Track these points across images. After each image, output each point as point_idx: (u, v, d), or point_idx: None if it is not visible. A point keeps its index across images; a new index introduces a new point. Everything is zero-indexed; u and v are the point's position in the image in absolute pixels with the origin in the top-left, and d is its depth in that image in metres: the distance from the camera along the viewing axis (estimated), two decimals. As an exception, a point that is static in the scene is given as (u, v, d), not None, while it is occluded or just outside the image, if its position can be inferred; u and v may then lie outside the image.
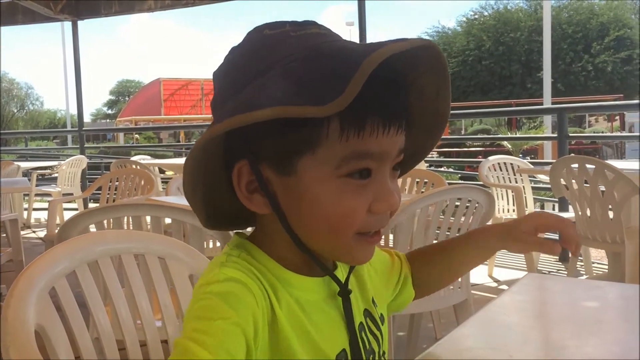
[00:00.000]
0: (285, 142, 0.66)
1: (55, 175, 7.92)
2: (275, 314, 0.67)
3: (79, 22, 8.39)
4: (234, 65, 0.71)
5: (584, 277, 3.80)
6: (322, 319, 0.72)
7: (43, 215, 7.51)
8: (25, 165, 7.51)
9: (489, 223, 4.28)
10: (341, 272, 0.77)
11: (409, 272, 0.91)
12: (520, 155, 13.97)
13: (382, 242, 2.58)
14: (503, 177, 4.53)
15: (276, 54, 0.66)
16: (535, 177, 5.11)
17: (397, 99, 0.67)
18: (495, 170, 4.52)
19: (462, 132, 28.33)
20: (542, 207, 6.02)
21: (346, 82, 0.58)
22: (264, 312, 0.66)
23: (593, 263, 4.18)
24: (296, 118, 0.61)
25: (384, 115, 0.65)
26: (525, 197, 4.34)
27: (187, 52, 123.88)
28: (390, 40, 0.62)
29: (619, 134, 19.47)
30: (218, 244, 2.78)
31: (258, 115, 0.61)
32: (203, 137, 0.65)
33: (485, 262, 4.41)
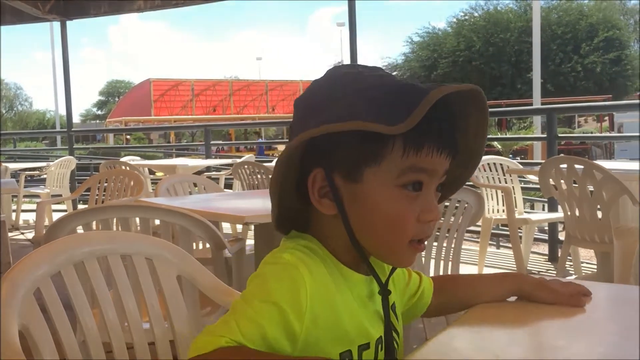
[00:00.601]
0: (357, 154, 0.80)
1: (44, 176, 7.86)
2: (333, 304, 0.80)
3: (68, 23, 8.34)
4: (315, 94, 0.86)
5: (573, 276, 3.82)
6: (364, 311, 0.85)
7: (31, 217, 7.45)
8: (14, 166, 7.47)
9: (479, 223, 4.29)
10: (381, 274, 0.89)
11: (429, 297, 1.03)
12: (510, 156, 14.03)
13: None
14: (493, 178, 4.55)
15: (354, 85, 0.81)
16: (524, 178, 5.13)
17: (449, 130, 0.81)
18: (485, 170, 4.53)
19: (453, 132, 28.38)
20: (532, 207, 6.05)
21: (413, 108, 0.73)
22: (316, 294, 0.78)
23: (582, 263, 4.20)
24: (369, 134, 0.75)
25: (438, 140, 0.79)
26: (515, 197, 4.36)
27: (178, 52, 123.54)
28: (447, 85, 0.78)
29: (608, 134, 19.59)
30: (207, 245, 2.77)
31: (342, 126, 0.76)
32: (294, 142, 0.79)
33: (475, 263, 4.42)
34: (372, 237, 0.82)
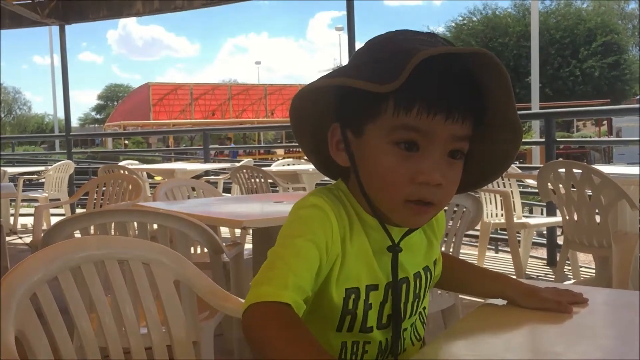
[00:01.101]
0: (359, 110, 0.85)
1: (43, 180, 7.85)
2: (345, 244, 0.86)
3: (67, 27, 8.35)
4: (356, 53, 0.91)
5: (572, 281, 3.81)
6: (379, 257, 0.89)
7: (30, 221, 7.44)
8: (12, 170, 7.46)
9: (477, 227, 4.29)
10: (397, 233, 0.92)
11: (439, 271, 1.04)
12: (509, 160, 14.00)
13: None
14: (491, 182, 4.54)
15: (373, 47, 0.86)
16: (523, 182, 5.13)
17: (450, 92, 0.81)
18: (483, 174, 4.52)
19: (451, 136, 28.43)
20: (531, 211, 6.05)
21: (400, 71, 0.76)
22: (339, 234, 0.85)
23: (580, 267, 4.19)
24: (369, 93, 0.79)
25: (431, 102, 0.80)
26: (514, 201, 4.36)
27: (176, 56, 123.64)
28: (451, 46, 0.81)
29: (606, 138, 19.62)
30: (205, 249, 2.77)
31: (329, 82, 0.84)
32: (302, 89, 0.88)
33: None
34: (373, 192, 0.86)
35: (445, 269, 1.05)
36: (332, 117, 0.91)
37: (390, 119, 0.82)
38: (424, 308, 0.98)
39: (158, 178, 8.14)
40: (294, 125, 0.93)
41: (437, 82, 0.81)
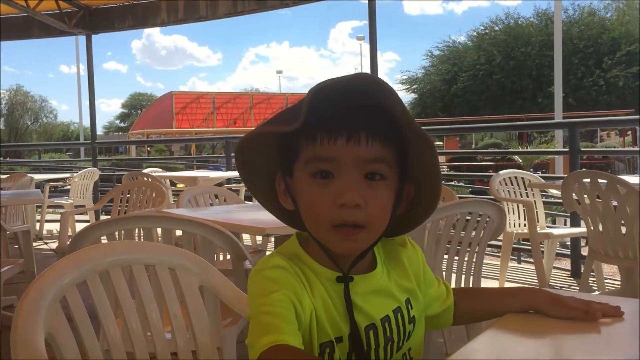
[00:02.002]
0: (286, 154, 0.94)
1: (68, 187, 7.96)
2: (311, 299, 0.89)
3: (93, 36, 8.49)
4: None
5: (597, 293, 3.76)
6: (343, 305, 0.91)
7: (55, 227, 7.54)
8: (39, 177, 7.56)
9: (500, 238, 4.25)
10: (381, 270, 0.96)
11: (452, 304, 1.06)
12: (531, 170, 13.89)
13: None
14: (514, 192, 4.51)
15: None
16: (546, 192, 5.08)
17: (348, 117, 0.88)
18: (506, 184, 4.50)
19: (473, 146, 28.25)
20: (554, 222, 5.98)
21: (299, 114, 0.85)
22: (305, 290, 0.89)
23: (605, 279, 4.13)
24: (290, 136, 0.89)
25: (329, 129, 0.88)
26: (537, 211, 4.32)
27: (199, 66, 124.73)
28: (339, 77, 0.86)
29: (631, 148, 19.33)
30: (228, 256, 2.79)
31: (251, 134, 0.93)
32: (240, 141, 0.96)
33: (497, 277, 4.38)
34: (309, 225, 0.92)
35: (461, 302, 1.06)
36: (277, 167, 0.97)
37: (304, 153, 0.90)
38: (409, 349, 0.97)
39: (180, 186, 8.21)
40: (252, 190, 1.01)
41: (333, 110, 0.87)
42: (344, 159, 0.87)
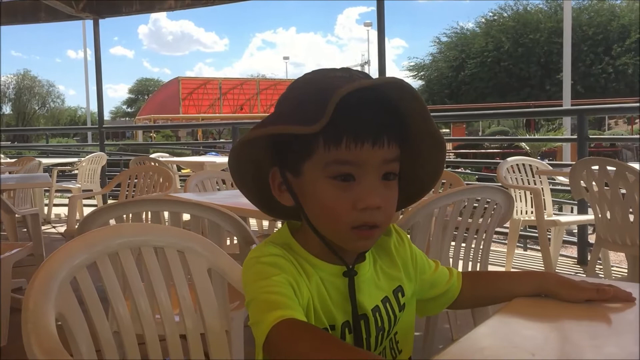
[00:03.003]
0: (294, 152, 0.90)
1: (76, 171, 7.99)
2: (306, 287, 0.89)
3: (100, 21, 8.47)
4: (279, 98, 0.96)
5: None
6: (338, 295, 0.92)
7: (63, 211, 7.58)
8: (46, 161, 7.60)
9: (507, 225, 4.25)
10: (369, 261, 0.97)
11: (454, 286, 1.06)
12: (539, 157, 13.84)
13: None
14: (522, 179, 4.49)
15: (296, 90, 0.92)
16: (554, 179, 5.06)
17: (374, 122, 0.87)
18: (513, 171, 4.48)
19: (480, 133, 28.13)
20: (560, 209, 5.97)
21: (323, 110, 0.81)
22: (302, 278, 0.89)
23: (612, 266, 4.13)
24: (298, 135, 0.85)
25: (356, 133, 0.86)
26: (544, 199, 4.31)
27: (206, 51, 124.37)
28: (366, 79, 0.87)
29: (639, 136, 19.21)
30: (235, 240, 2.79)
31: (266, 130, 0.87)
32: (237, 143, 0.92)
33: (503, 264, 4.38)
34: (320, 225, 0.91)
35: (469, 285, 1.06)
36: (270, 162, 0.95)
37: (323, 155, 0.87)
38: (396, 333, 0.99)
39: (185, 171, 8.21)
40: (234, 175, 0.97)
41: (359, 113, 0.86)
42: (369, 162, 0.87)
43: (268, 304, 0.82)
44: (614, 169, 2.90)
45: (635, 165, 3.10)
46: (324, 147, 0.87)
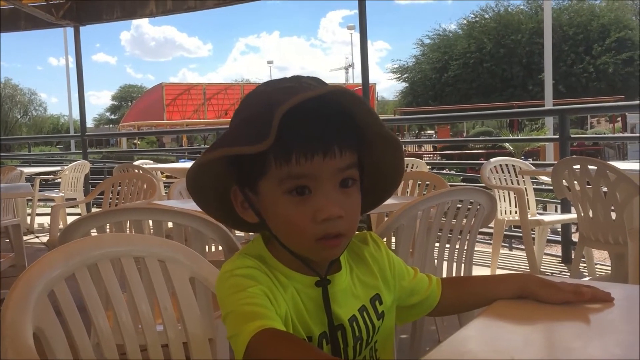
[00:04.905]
0: (249, 170, 0.89)
1: (59, 180, 7.92)
2: (282, 298, 0.88)
3: (82, 28, 8.41)
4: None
5: (587, 278, 3.79)
6: (313, 306, 0.91)
7: (46, 221, 7.51)
8: (29, 170, 7.51)
9: (491, 225, 4.27)
10: (345, 270, 0.96)
11: (434, 292, 1.06)
12: (522, 157, 13.94)
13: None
14: (505, 179, 4.52)
15: (244, 107, 0.91)
16: (537, 179, 5.10)
17: (322, 133, 0.85)
18: (497, 172, 4.51)
19: (464, 134, 28.30)
20: (545, 208, 6.01)
21: (268, 128, 0.79)
22: (276, 290, 0.88)
23: (596, 264, 4.16)
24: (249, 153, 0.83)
25: (306, 147, 0.85)
26: (528, 198, 4.33)
27: (189, 56, 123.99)
28: (313, 88, 0.85)
29: (620, 135, 19.44)
30: (220, 247, 2.78)
31: (210, 156, 0.86)
32: (190, 169, 0.91)
33: (488, 265, 4.40)
34: (285, 240, 0.90)
35: (449, 291, 1.06)
36: (231, 181, 0.94)
37: (276, 172, 0.86)
38: (376, 342, 0.97)
39: (164, 178, 8.16)
40: (195, 196, 0.96)
41: (306, 126, 0.84)
42: (322, 174, 0.86)
43: (245, 315, 0.81)
44: (595, 167, 2.92)
45: (618, 163, 3.14)
46: (275, 164, 0.86)
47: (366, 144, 0.91)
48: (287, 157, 0.85)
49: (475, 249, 2.31)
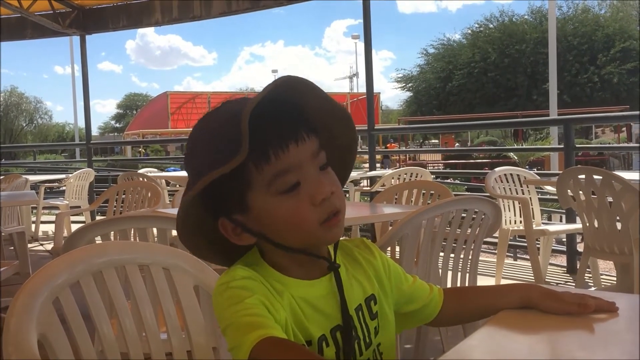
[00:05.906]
0: (233, 190, 0.90)
1: (63, 188, 7.94)
2: (280, 305, 0.88)
3: (87, 36, 8.46)
4: (190, 146, 0.99)
5: (593, 289, 3.77)
6: (310, 310, 0.92)
7: (51, 228, 7.52)
8: (34, 178, 7.54)
9: (496, 235, 4.25)
10: (343, 269, 0.97)
11: (438, 306, 1.06)
12: (527, 167, 13.91)
13: (388, 253, 2.55)
14: (510, 189, 4.51)
15: (205, 129, 0.93)
16: (542, 189, 5.08)
17: (287, 124, 0.89)
18: (501, 181, 4.50)
19: (469, 143, 28.28)
20: (550, 218, 6.00)
21: (239, 137, 0.81)
22: (274, 299, 0.88)
23: (601, 275, 4.14)
24: (222, 178, 0.84)
25: (278, 139, 0.87)
26: (532, 208, 4.32)
27: (194, 65, 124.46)
28: (261, 92, 0.85)
29: (626, 145, 19.38)
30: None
31: (199, 186, 0.86)
32: (179, 210, 0.91)
33: (493, 275, 4.39)
34: (290, 239, 0.91)
35: (453, 302, 1.06)
36: (211, 220, 0.94)
37: (260, 177, 0.87)
38: (379, 345, 0.98)
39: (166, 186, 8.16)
40: (191, 248, 0.99)
41: (271, 121, 0.87)
42: (301, 161, 0.89)
43: (245, 326, 0.81)
44: (601, 177, 2.91)
45: (623, 173, 3.13)
46: (256, 169, 0.87)
47: (321, 127, 0.94)
48: (265, 156, 0.87)
49: (480, 258, 2.30)
